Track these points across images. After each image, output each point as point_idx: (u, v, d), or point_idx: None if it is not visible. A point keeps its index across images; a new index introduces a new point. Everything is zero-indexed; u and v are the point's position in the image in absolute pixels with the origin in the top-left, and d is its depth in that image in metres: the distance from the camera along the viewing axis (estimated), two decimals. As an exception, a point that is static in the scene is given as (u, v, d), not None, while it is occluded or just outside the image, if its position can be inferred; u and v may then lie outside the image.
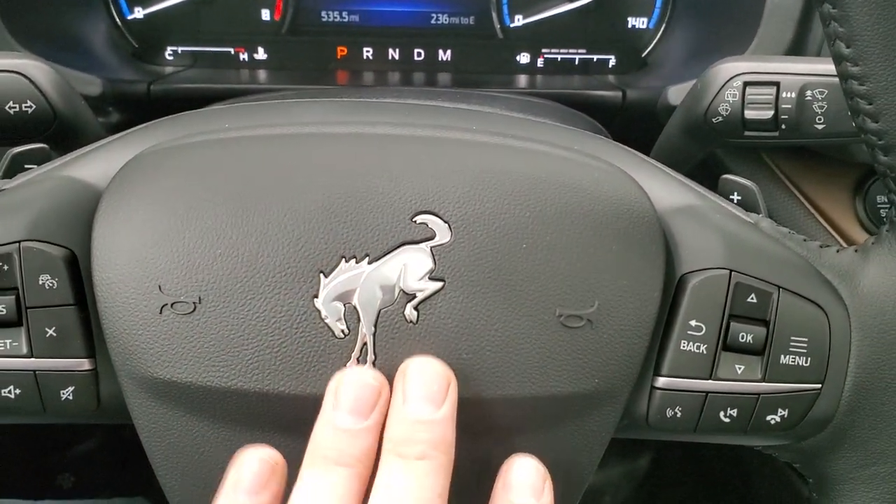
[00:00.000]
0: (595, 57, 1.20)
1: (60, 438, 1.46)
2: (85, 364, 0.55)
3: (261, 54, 1.19)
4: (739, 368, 0.55)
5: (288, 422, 0.53)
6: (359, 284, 0.52)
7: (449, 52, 1.19)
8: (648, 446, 1.55)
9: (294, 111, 0.65)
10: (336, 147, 0.56)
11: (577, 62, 1.20)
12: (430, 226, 0.53)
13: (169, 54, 1.18)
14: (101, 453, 1.49)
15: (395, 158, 0.55)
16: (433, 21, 1.19)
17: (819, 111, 0.73)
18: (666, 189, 0.59)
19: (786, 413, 0.56)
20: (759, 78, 0.75)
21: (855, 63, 0.51)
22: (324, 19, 1.19)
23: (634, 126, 1.02)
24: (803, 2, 0.96)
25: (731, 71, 0.76)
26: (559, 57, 1.20)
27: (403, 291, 0.52)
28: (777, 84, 0.74)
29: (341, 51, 1.19)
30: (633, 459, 1.63)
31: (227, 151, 0.56)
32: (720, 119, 0.76)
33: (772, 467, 1.39)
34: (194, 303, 0.51)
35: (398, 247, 0.52)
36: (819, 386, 0.56)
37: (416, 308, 0.52)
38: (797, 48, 0.97)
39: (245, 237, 0.52)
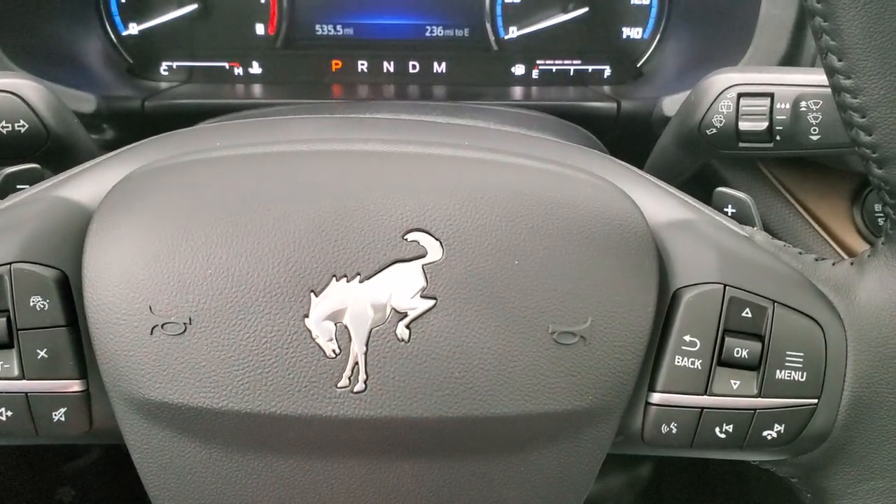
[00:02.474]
0: (590, 67, 1.20)
1: (59, 452, 1.45)
2: (77, 385, 0.54)
3: (255, 68, 1.19)
4: (735, 384, 0.55)
5: (279, 442, 0.52)
6: (350, 303, 0.51)
7: (444, 64, 1.19)
8: (649, 455, 1.54)
9: (284, 128, 0.64)
10: (326, 165, 0.56)
11: (571, 73, 1.20)
12: (421, 243, 0.52)
13: (164, 70, 1.18)
14: (100, 467, 1.49)
15: (385, 176, 0.54)
16: (428, 34, 1.19)
17: (814, 122, 0.73)
18: (659, 203, 0.59)
19: (782, 428, 0.56)
20: (753, 89, 0.74)
21: (847, 76, 0.51)
22: (318, 33, 1.19)
23: (629, 137, 1.02)
24: (797, 13, 0.95)
25: (724, 82, 0.75)
26: (554, 68, 1.20)
27: (395, 310, 0.52)
28: (771, 95, 0.74)
29: (336, 64, 1.19)
30: (635, 468, 1.62)
31: (218, 171, 0.55)
32: (714, 131, 0.76)
33: (774, 475, 1.38)
34: (185, 323, 0.51)
35: (389, 265, 0.52)
36: (815, 401, 0.55)
37: (407, 326, 0.52)
38: (791, 59, 0.97)
39: (235, 257, 0.51)
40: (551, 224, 0.53)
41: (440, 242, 0.52)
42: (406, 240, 0.52)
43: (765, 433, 0.56)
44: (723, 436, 0.55)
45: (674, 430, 0.55)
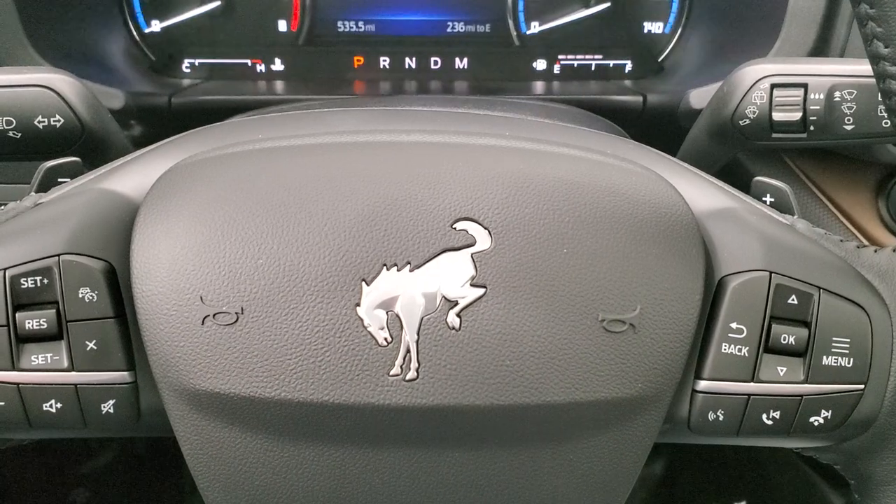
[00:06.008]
0: (611, 62, 1.20)
1: (74, 454, 1.45)
2: (125, 377, 0.54)
3: (278, 65, 1.19)
4: (781, 370, 0.55)
5: (331, 432, 0.53)
6: (401, 292, 0.52)
7: (465, 59, 1.19)
8: (662, 452, 1.54)
9: (326, 121, 0.65)
10: (372, 156, 0.56)
11: (593, 68, 1.20)
12: (470, 232, 0.52)
13: (186, 67, 1.18)
14: (114, 468, 1.49)
15: (432, 166, 0.55)
16: (449, 29, 1.19)
17: (848, 112, 0.73)
18: (701, 192, 0.59)
19: (829, 414, 0.56)
20: (786, 80, 0.75)
21: (894, 63, 0.51)
22: (340, 29, 1.19)
23: (654, 130, 1.02)
24: (826, 4, 0.96)
25: (757, 73, 0.75)
26: (575, 63, 1.20)
27: (445, 298, 0.52)
28: (805, 86, 0.74)
29: (358, 60, 1.19)
30: (647, 464, 1.62)
31: (264, 162, 0.56)
32: (747, 122, 0.76)
33: (792, 471, 1.38)
34: (237, 313, 0.51)
35: (439, 254, 0.52)
36: (862, 387, 0.56)
37: (458, 315, 0.52)
38: (819, 51, 0.97)
39: (286, 247, 0.52)
40: (599, 213, 0.53)
41: (489, 231, 0.52)
42: (455, 229, 0.52)
43: (812, 419, 0.56)
44: (770, 422, 0.55)
45: (721, 418, 0.56)
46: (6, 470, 1.38)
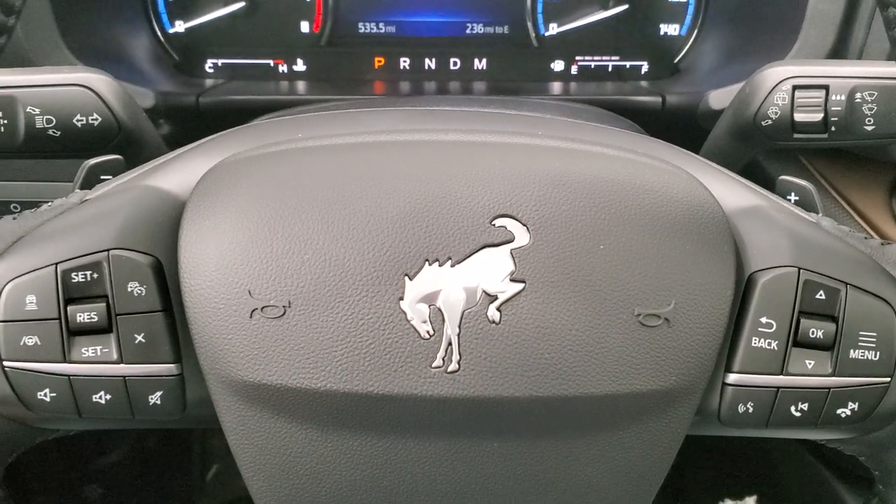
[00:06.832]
0: (628, 63, 1.22)
1: (87, 450, 1.47)
2: (172, 369, 0.56)
3: (300, 66, 1.20)
4: (810, 363, 0.56)
5: (375, 422, 0.54)
6: (443, 286, 0.53)
7: (484, 60, 1.21)
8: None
9: (364, 120, 0.66)
10: (412, 154, 0.57)
11: (609, 69, 1.22)
12: (509, 228, 0.54)
13: (209, 67, 1.20)
14: (126, 465, 1.50)
15: (471, 164, 0.56)
16: (469, 31, 1.21)
17: (869, 112, 0.75)
18: (730, 190, 0.61)
19: (856, 406, 0.57)
20: (808, 81, 0.76)
21: None
22: (361, 30, 1.21)
23: (672, 130, 1.04)
24: (845, 7, 0.97)
25: (779, 75, 0.77)
26: (592, 64, 1.22)
27: (486, 293, 0.53)
28: (826, 87, 0.75)
29: (379, 61, 1.21)
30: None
31: (307, 160, 0.57)
32: (769, 122, 0.78)
33: (802, 466, 1.39)
34: (284, 307, 0.53)
35: (479, 250, 0.54)
36: (888, 379, 0.57)
37: (498, 309, 0.53)
38: (838, 53, 0.99)
39: (332, 242, 0.53)
40: (634, 210, 0.55)
41: (527, 227, 0.54)
42: (494, 225, 0.54)
43: (839, 411, 0.57)
44: (798, 414, 0.57)
45: (750, 410, 0.57)
46: (20, 465, 1.40)
